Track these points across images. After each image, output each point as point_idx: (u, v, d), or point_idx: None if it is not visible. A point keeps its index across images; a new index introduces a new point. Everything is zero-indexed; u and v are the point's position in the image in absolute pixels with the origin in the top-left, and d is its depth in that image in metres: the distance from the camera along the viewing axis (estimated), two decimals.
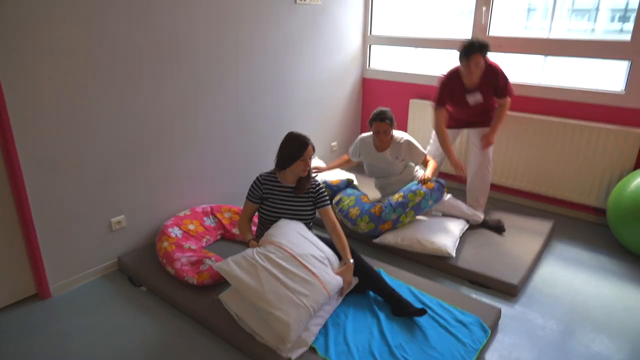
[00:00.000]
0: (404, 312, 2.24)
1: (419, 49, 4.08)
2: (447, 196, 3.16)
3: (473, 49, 2.89)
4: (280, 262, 2.16)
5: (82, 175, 2.54)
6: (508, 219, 3.28)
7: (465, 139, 3.70)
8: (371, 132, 3.20)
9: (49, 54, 2.24)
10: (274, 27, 3.36)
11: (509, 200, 3.77)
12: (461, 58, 2.97)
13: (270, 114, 3.55)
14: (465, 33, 3.69)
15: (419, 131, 4.02)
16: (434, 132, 3.37)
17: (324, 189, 2.54)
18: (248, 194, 2.51)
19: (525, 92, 3.49)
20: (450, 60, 3.47)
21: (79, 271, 2.65)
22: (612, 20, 3.52)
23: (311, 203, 2.52)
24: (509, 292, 2.60)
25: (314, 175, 2.59)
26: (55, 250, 2.51)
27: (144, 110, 2.72)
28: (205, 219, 3.01)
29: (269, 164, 2.66)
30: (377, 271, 2.46)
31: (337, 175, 3.46)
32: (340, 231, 2.44)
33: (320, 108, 4.01)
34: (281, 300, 2.03)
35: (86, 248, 2.65)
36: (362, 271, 2.38)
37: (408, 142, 3.15)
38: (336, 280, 2.23)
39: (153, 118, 2.79)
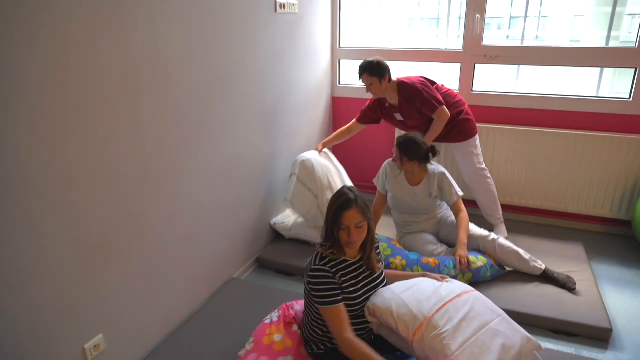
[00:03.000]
0: None
1: (395, 62, 3.65)
2: (500, 239, 2.68)
3: (360, 70, 2.87)
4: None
5: (34, 287, 1.56)
6: (533, 244, 3.00)
7: (450, 154, 3.42)
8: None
9: None
10: (253, 44, 2.62)
11: (520, 219, 3.49)
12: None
13: (256, 151, 2.80)
14: (456, 43, 3.36)
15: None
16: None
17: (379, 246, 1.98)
18: (327, 296, 1.71)
19: (523, 104, 3.27)
20: (433, 72, 3.14)
21: None
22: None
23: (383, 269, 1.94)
24: (601, 337, 2.27)
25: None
26: None
27: (119, 166, 1.81)
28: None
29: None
30: None
31: None
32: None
33: (298, 135, 3.33)
34: None
35: None
36: None
37: (442, 176, 2.68)
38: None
39: (131, 177, 1.88)
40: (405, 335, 1.68)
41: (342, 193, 1.76)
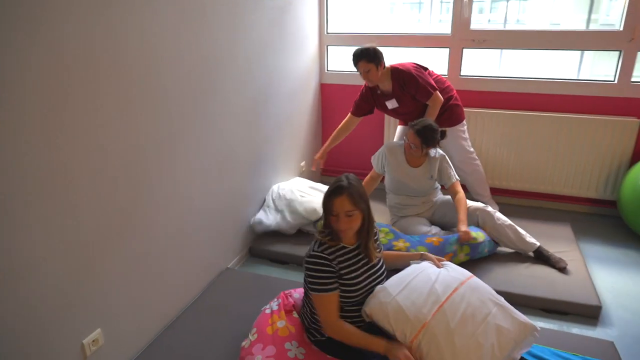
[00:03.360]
0: None
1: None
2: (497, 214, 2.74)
3: (356, 58, 2.81)
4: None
5: (30, 284, 1.53)
6: (522, 226, 3.02)
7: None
8: (402, 141, 2.76)
9: None
10: (243, 32, 2.58)
11: (508, 202, 3.53)
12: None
13: (247, 142, 2.77)
14: (439, 27, 3.35)
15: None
16: (399, 127, 3.29)
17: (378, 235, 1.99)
18: (320, 283, 1.73)
19: (511, 88, 3.30)
20: (420, 57, 3.14)
21: None
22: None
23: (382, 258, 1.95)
24: (591, 315, 2.33)
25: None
26: None
27: (111, 159, 1.78)
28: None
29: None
30: None
31: None
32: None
33: (288, 124, 3.30)
34: None
35: None
36: None
37: (443, 158, 2.75)
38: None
39: (123, 172, 1.85)
40: (403, 341, 1.66)
41: (337, 180, 1.77)
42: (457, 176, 2.81)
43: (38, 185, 1.50)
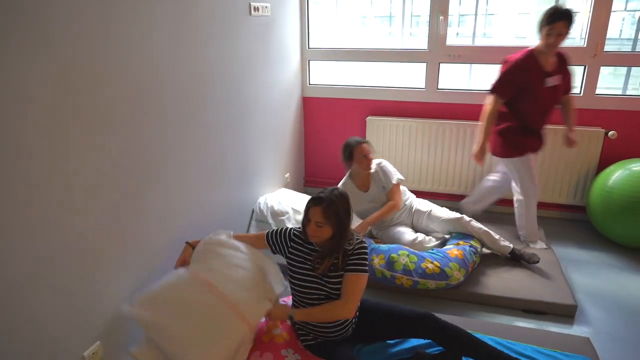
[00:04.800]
0: None
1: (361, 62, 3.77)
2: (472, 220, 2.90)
3: (559, 15, 2.53)
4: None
5: (35, 296, 1.55)
6: (498, 232, 3.15)
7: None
8: (347, 174, 2.96)
9: None
10: (231, 48, 2.65)
11: (485, 209, 3.68)
12: (541, 26, 2.61)
13: (235, 155, 2.83)
14: (420, 43, 3.51)
15: (380, 153, 3.69)
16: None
17: (362, 250, 1.91)
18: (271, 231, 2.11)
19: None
20: (408, 71, 3.27)
21: None
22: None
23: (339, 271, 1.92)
24: (568, 313, 2.48)
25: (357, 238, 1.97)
26: None
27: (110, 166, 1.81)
28: None
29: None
30: (470, 333, 2.04)
31: None
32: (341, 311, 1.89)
33: (272, 136, 3.37)
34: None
35: None
36: (456, 338, 1.95)
37: (380, 166, 2.92)
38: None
39: (123, 183, 1.89)
40: None
41: (324, 190, 1.90)
42: (399, 177, 2.93)
43: (42, 193, 1.52)
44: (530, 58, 2.71)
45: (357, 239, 1.94)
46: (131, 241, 1.97)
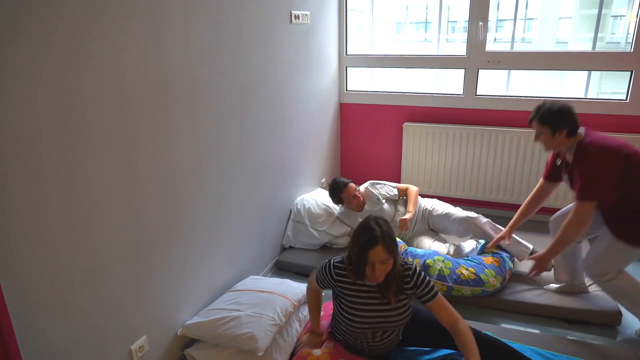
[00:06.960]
0: None
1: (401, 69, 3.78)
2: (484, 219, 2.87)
3: (532, 115, 2.23)
4: None
5: (88, 292, 1.64)
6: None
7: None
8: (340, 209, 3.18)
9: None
10: (273, 55, 2.73)
11: (500, 215, 3.60)
12: None
13: (275, 158, 2.90)
14: (457, 49, 3.49)
15: (416, 159, 3.70)
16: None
17: (421, 274, 1.81)
18: (317, 276, 1.94)
19: (523, 107, 3.41)
20: (444, 78, 3.26)
21: None
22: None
23: (406, 302, 1.85)
24: (612, 322, 2.40)
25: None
26: None
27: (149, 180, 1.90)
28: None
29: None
30: (509, 345, 1.97)
31: None
32: (465, 328, 1.76)
33: (310, 141, 3.44)
34: None
35: None
36: (494, 350, 1.90)
37: (370, 184, 3.12)
38: None
39: (162, 189, 1.98)
40: None
41: (368, 228, 1.69)
42: (395, 185, 3.13)
43: (97, 198, 1.62)
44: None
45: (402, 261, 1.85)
46: (176, 241, 2.06)
